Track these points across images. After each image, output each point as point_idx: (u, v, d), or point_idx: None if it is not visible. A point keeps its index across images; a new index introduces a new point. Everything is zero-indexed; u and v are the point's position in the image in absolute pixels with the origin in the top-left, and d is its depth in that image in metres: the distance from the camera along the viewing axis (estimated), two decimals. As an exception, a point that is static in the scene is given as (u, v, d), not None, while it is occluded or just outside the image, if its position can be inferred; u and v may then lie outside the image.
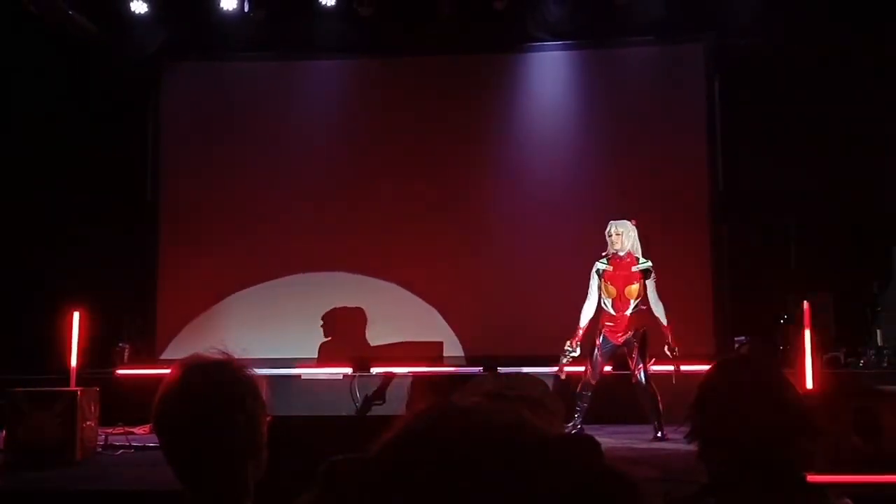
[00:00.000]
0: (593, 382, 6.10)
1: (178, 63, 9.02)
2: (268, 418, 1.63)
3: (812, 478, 1.65)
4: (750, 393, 1.66)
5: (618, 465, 0.80)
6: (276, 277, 8.45)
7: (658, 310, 6.09)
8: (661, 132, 8.40)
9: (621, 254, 6.10)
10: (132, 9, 8.47)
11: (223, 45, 8.80)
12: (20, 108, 8.54)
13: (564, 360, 6.01)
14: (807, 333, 6.68)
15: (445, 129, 8.59)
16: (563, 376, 6.11)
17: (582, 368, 6.17)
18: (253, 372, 1.64)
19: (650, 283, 6.08)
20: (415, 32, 8.63)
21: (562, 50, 8.72)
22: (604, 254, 6.18)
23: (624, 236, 6.08)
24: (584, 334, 6.13)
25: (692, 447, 1.72)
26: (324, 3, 8.43)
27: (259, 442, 1.59)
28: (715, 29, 8.31)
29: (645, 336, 6.05)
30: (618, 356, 6.27)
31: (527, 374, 7.11)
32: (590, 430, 5.58)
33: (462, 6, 8.44)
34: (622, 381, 7.52)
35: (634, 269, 6.12)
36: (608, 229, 6.16)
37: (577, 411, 6.05)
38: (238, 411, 1.57)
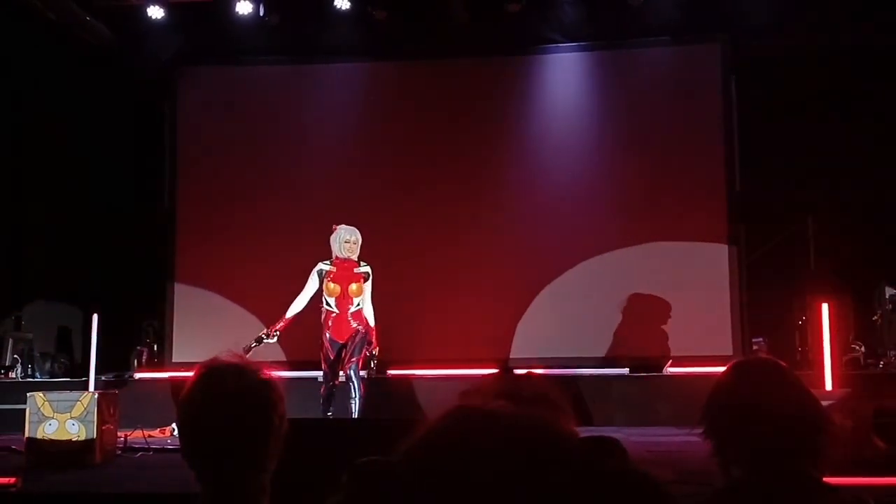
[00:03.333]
0: (334, 381, 6.23)
1: (193, 68, 9.07)
2: (285, 420, 1.65)
3: (830, 479, 1.64)
4: (766, 393, 1.65)
5: (642, 467, 0.80)
6: (292, 281, 8.45)
7: (368, 310, 6.34)
8: (678, 132, 8.36)
9: (353, 258, 6.34)
10: (149, 15, 8.54)
11: (238, 50, 8.85)
12: (38, 113, 8.62)
13: (254, 345, 6.11)
14: (826, 335, 6.65)
15: (460, 132, 8.58)
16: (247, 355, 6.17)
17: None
18: (269, 374, 1.66)
19: (369, 286, 6.36)
20: (429, 36, 8.64)
21: (577, 51, 8.70)
22: (330, 260, 6.37)
23: (359, 245, 6.37)
24: (284, 326, 6.31)
25: (707, 448, 1.71)
26: (338, 7, 8.46)
27: (277, 444, 1.62)
28: (730, 29, 8.26)
29: (365, 335, 6.26)
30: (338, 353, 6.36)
31: (538, 374, 7.09)
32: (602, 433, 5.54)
33: (476, 9, 8.44)
34: (633, 383, 7.51)
35: (357, 270, 6.36)
36: (348, 237, 6.35)
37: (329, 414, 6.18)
38: (256, 413, 1.60)
